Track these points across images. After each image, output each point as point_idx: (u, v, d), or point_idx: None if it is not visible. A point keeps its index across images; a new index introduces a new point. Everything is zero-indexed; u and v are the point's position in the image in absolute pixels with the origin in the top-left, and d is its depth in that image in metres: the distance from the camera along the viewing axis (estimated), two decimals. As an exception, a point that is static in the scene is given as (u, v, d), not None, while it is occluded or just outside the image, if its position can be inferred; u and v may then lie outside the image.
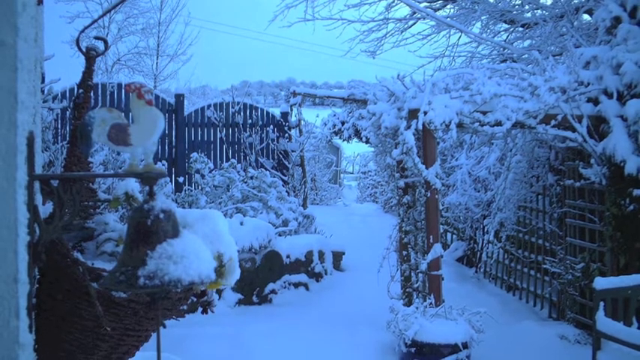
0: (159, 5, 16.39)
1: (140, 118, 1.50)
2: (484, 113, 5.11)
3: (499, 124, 5.09)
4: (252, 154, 9.97)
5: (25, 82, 1.50)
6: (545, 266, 6.31)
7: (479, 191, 7.76)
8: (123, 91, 9.16)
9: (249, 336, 5.28)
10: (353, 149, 20.03)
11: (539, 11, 8.49)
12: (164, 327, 1.72)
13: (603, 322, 3.96)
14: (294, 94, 10.21)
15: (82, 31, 2.00)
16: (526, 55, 7.49)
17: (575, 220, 5.79)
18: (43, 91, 4.90)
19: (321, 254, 7.38)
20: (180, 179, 9.45)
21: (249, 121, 10.10)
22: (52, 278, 1.68)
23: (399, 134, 5.13)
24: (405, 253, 5.53)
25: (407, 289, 5.50)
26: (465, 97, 5.10)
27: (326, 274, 7.44)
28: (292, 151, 10.05)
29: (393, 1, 9.09)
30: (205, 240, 1.64)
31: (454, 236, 9.04)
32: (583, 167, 5.43)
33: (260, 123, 10.15)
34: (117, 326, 1.69)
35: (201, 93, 22.97)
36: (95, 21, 2.12)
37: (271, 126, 10.24)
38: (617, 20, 5.39)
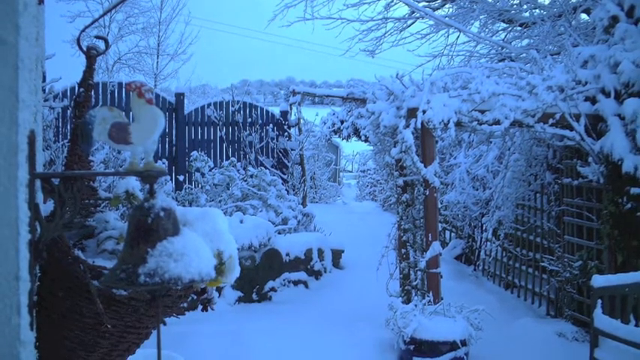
0: (159, 4, 16.41)
1: (140, 116, 1.51)
2: (482, 112, 5.13)
3: (497, 122, 5.11)
4: (251, 152, 9.98)
5: (27, 81, 1.52)
6: (543, 264, 6.32)
7: (477, 189, 7.77)
8: (123, 90, 9.17)
9: (249, 333, 5.29)
10: (352, 148, 20.01)
11: (537, 11, 8.51)
12: (164, 324, 1.74)
13: (601, 319, 3.97)
14: (294, 92, 10.21)
15: (83, 31, 2.01)
16: (524, 54, 7.50)
17: (573, 218, 5.81)
18: (44, 90, 4.91)
19: (320, 252, 7.39)
20: (181, 177, 9.46)
21: (249, 119, 10.11)
22: (53, 276, 1.69)
23: (398, 133, 5.14)
24: (403, 251, 5.54)
25: (406, 287, 5.52)
26: (464, 96, 5.11)
27: (325, 271, 7.46)
28: (292, 150, 10.06)
29: (392, 1, 9.10)
30: (205, 238, 1.65)
31: (453, 234, 9.05)
32: (581, 166, 5.44)
33: (260, 122, 10.16)
34: (117, 324, 1.70)
35: (201, 92, 22.95)
36: (96, 20, 2.13)
37: (271, 125, 10.26)
38: (615, 20, 5.40)
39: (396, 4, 9.11)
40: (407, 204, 5.48)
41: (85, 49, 1.86)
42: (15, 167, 1.45)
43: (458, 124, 5.08)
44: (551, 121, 5.16)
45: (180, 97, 9.74)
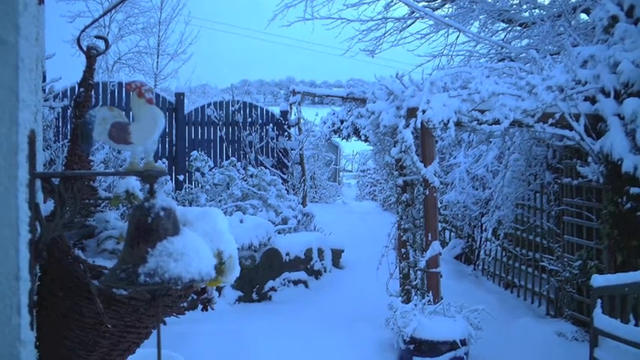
0: (159, 4, 16.40)
1: (141, 116, 1.51)
2: (482, 112, 5.13)
3: (497, 122, 5.11)
4: (251, 152, 9.98)
5: (27, 81, 1.52)
6: (542, 264, 6.33)
7: (477, 189, 7.78)
8: (123, 89, 9.17)
9: (248, 333, 5.30)
10: (352, 148, 20.04)
11: (536, 10, 8.51)
12: (164, 324, 1.74)
13: (600, 319, 3.98)
14: (294, 92, 10.22)
15: (83, 30, 2.01)
16: (524, 54, 7.50)
17: (572, 217, 5.81)
18: (44, 90, 4.91)
19: (320, 252, 7.40)
20: (181, 177, 9.46)
21: (249, 119, 10.11)
22: (53, 276, 1.69)
23: (398, 133, 5.15)
24: (403, 250, 5.55)
25: (405, 287, 5.52)
26: (464, 95, 5.12)
27: (325, 271, 7.46)
28: (292, 150, 10.07)
29: (392, 1, 9.10)
30: (205, 238, 1.65)
31: (452, 234, 9.05)
32: (580, 165, 5.45)
33: (260, 121, 10.17)
34: (117, 323, 1.71)
35: (201, 92, 22.95)
36: (96, 20, 2.13)
37: (271, 124, 10.26)
38: (615, 19, 5.40)
39: (395, 4, 9.12)
40: (407, 204, 5.49)
41: (85, 48, 1.86)
42: (15, 167, 1.45)
43: (458, 123, 5.08)
44: (550, 120, 5.16)
45: (180, 96, 9.74)
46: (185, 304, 1.84)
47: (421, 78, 5.32)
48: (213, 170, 7.90)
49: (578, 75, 5.31)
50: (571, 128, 5.23)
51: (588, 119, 5.24)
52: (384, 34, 9.38)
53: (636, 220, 4.93)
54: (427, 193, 5.14)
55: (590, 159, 5.30)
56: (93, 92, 2.03)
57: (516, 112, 5.08)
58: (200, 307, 1.91)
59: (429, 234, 5.15)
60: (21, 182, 1.47)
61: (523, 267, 6.81)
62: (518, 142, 6.24)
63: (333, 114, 13.58)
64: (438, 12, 9.25)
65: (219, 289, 6.21)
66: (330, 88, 16.29)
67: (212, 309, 1.92)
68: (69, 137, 1.95)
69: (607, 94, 5.20)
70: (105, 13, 2.39)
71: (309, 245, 7.27)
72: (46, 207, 1.69)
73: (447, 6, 9.27)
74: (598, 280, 4.17)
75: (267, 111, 10.40)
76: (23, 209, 1.47)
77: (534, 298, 6.58)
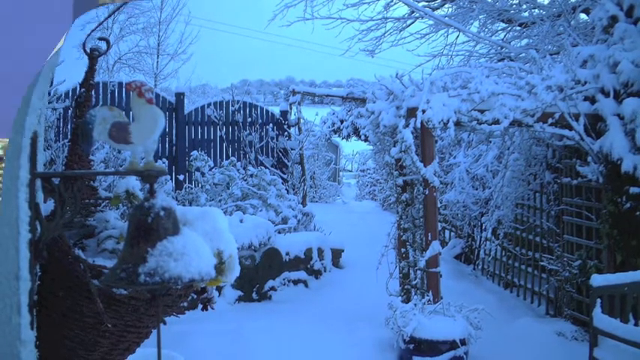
0: (159, 4, 16.41)
1: (141, 116, 1.52)
2: (482, 112, 5.13)
3: (497, 122, 5.11)
4: (251, 152, 9.99)
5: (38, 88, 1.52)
6: (542, 263, 6.33)
7: (477, 189, 7.78)
8: (124, 89, 9.17)
9: (248, 332, 5.30)
10: (352, 147, 20.05)
11: (536, 10, 8.51)
12: (164, 324, 1.74)
13: (600, 318, 3.98)
14: (294, 92, 10.23)
15: (89, 34, 2.02)
16: (523, 54, 7.50)
17: (572, 217, 5.81)
18: (49, 93, 4.91)
19: (320, 251, 7.40)
20: (181, 177, 9.47)
21: (249, 119, 10.12)
22: (53, 275, 1.70)
23: (398, 132, 5.15)
24: (403, 250, 5.55)
25: (405, 286, 5.53)
26: (463, 95, 5.12)
27: (325, 271, 7.46)
28: (292, 149, 10.07)
29: (392, 1, 9.10)
30: (205, 237, 1.65)
31: (452, 234, 9.05)
32: (580, 165, 5.45)
33: (260, 121, 10.18)
34: (118, 323, 1.71)
35: (201, 92, 22.98)
36: (101, 23, 2.14)
37: (271, 124, 10.27)
38: (614, 19, 5.40)
39: (395, 3, 9.12)
40: (406, 203, 5.49)
41: (88, 50, 1.87)
42: (16, 167, 1.46)
43: (457, 123, 5.09)
44: (550, 120, 5.17)
45: (180, 96, 9.75)
46: (185, 304, 1.85)
47: (421, 78, 5.33)
48: (213, 170, 7.90)
49: (578, 75, 5.32)
50: (571, 128, 5.23)
51: (588, 119, 5.24)
52: (384, 34, 9.38)
53: (636, 220, 4.93)
54: (427, 192, 5.15)
55: (589, 159, 5.31)
56: (93, 92, 2.04)
57: (516, 111, 5.09)
58: (200, 306, 1.91)
59: (429, 233, 5.15)
60: (22, 182, 1.47)
61: (523, 267, 6.81)
62: (517, 141, 6.25)
63: (333, 114, 13.58)
64: (438, 12, 9.25)
65: (219, 289, 6.22)
66: (330, 88, 16.31)
67: (212, 308, 1.93)
68: (69, 137, 1.96)
69: (607, 94, 5.20)
70: (109, 16, 2.39)
71: (309, 245, 7.27)
72: (46, 207, 1.69)
73: (446, 6, 9.27)
74: (597, 280, 4.17)
75: (267, 111, 10.40)
76: (23, 209, 1.48)
77: (534, 298, 6.58)
